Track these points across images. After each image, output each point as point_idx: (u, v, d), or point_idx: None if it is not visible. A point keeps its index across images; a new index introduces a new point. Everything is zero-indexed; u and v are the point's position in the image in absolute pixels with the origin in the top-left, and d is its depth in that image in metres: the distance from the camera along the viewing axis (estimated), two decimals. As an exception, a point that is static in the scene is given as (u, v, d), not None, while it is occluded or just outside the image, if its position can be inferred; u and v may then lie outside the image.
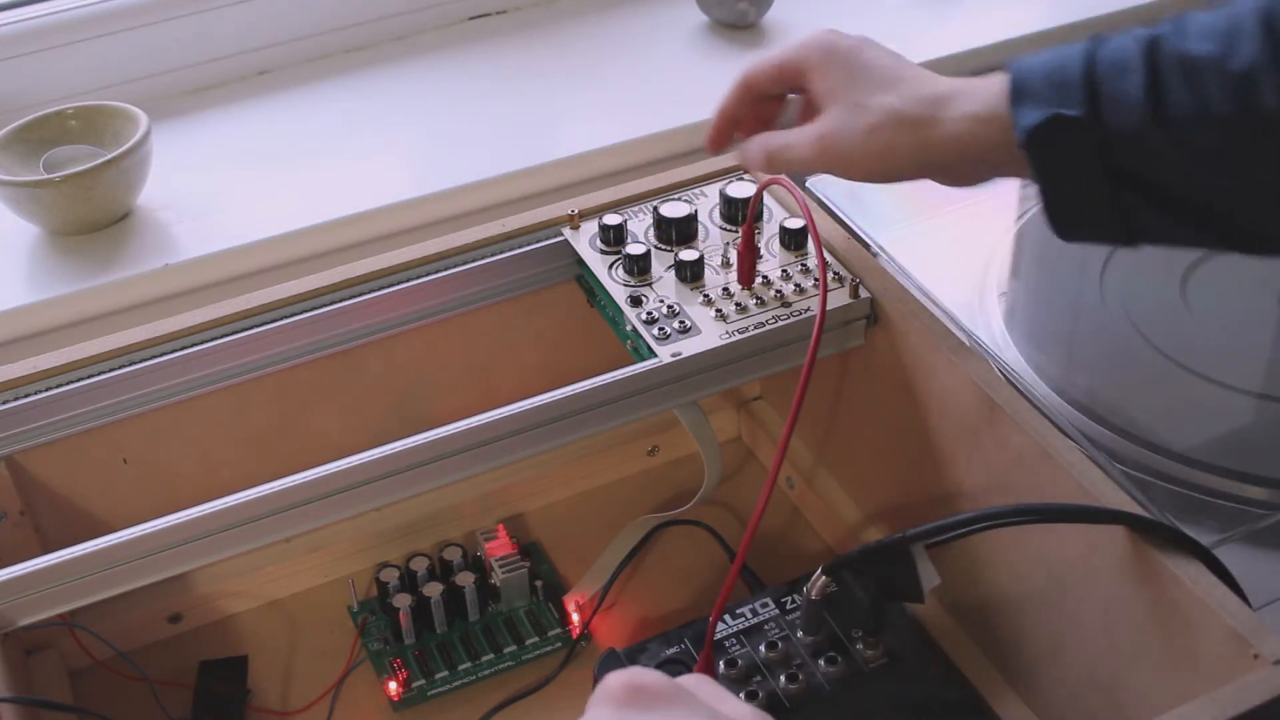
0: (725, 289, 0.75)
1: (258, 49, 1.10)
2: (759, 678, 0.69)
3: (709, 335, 0.72)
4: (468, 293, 0.79)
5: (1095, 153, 0.62)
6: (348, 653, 0.78)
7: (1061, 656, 0.68)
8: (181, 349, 0.74)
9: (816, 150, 0.70)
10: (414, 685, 0.76)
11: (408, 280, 0.78)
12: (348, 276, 0.77)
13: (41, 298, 0.90)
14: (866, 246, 0.78)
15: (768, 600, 0.73)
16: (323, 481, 0.66)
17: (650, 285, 0.76)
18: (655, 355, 0.71)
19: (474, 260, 0.79)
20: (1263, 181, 0.60)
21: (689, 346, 0.72)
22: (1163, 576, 0.60)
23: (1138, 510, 0.62)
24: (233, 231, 0.94)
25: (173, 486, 0.76)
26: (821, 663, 0.69)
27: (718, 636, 0.71)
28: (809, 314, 0.73)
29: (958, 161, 0.67)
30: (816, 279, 0.75)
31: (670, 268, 0.77)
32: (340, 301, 0.77)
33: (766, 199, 0.81)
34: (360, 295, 0.77)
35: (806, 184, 0.95)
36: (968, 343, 0.72)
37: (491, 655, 0.78)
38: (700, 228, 0.79)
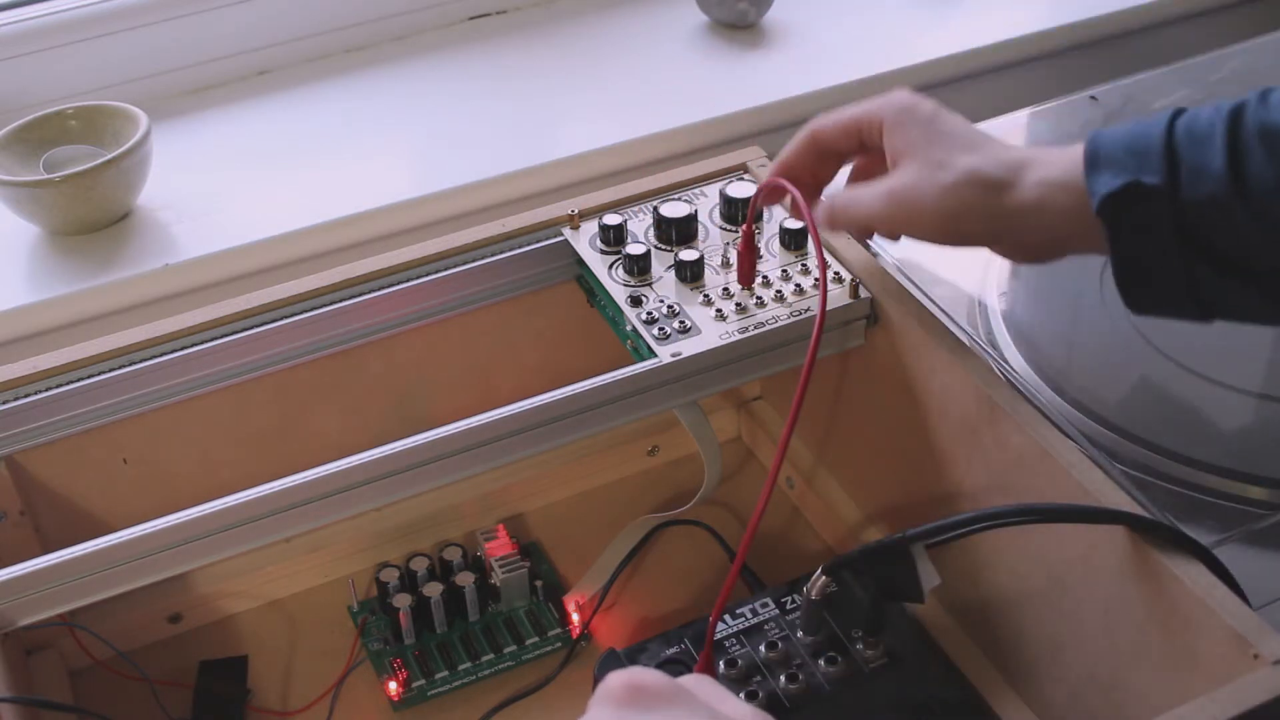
0: (725, 289, 0.75)
1: (258, 49, 1.10)
2: (759, 678, 0.69)
3: (709, 335, 0.72)
4: (468, 293, 0.79)
5: (1171, 222, 0.60)
6: (348, 653, 0.78)
7: (1061, 656, 0.68)
8: (181, 349, 0.74)
9: (885, 204, 0.68)
10: (414, 685, 0.76)
11: (408, 280, 0.78)
12: (348, 276, 0.77)
13: (41, 298, 0.90)
14: (866, 246, 0.78)
15: (768, 600, 0.73)
16: (323, 481, 0.66)
17: (650, 285, 0.76)
18: (655, 355, 0.71)
19: (474, 260, 0.79)
20: None
21: (689, 346, 0.72)
22: (1163, 576, 0.60)
23: (1138, 510, 0.62)
24: (232, 231, 0.94)
25: (173, 486, 0.76)
26: (821, 663, 0.69)
27: (718, 636, 0.71)
28: (809, 314, 0.73)
29: (1029, 229, 0.65)
30: (816, 279, 0.75)
31: (670, 268, 0.77)
32: (340, 301, 0.77)
33: (766, 199, 0.81)
34: (360, 295, 0.77)
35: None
36: (968, 343, 0.72)
37: (491, 655, 0.78)
38: (700, 228, 0.79)
